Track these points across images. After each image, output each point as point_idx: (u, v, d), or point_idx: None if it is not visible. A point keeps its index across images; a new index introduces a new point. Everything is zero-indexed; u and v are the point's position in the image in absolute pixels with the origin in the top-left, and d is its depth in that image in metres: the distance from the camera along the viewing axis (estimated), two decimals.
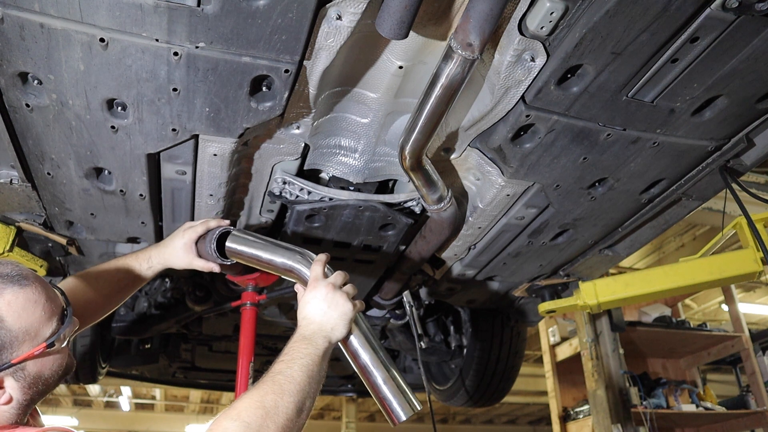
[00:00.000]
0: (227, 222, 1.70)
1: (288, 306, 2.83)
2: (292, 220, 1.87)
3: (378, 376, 1.38)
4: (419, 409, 1.39)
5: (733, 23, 1.16)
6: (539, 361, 9.63)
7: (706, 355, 5.19)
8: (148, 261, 1.67)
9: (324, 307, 1.32)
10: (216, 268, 1.68)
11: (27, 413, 1.17)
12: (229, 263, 1.68)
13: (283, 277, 1.59)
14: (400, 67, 1.42)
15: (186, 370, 3.82)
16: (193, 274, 2.47)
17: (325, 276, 1.39)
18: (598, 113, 1.44)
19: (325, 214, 1.85)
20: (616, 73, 1.30)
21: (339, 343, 1.37)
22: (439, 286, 2.56)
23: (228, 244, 1.63)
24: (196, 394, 12.82)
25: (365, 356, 1.38)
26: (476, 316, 3.20)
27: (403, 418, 1.35)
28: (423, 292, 2.68)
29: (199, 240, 1.67)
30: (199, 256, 1.67)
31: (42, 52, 1.20)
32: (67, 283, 1.62)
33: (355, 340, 1.38)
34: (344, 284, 1.38)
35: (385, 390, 1.37)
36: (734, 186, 1.74)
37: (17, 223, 1.91)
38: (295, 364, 1.17)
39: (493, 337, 3.18)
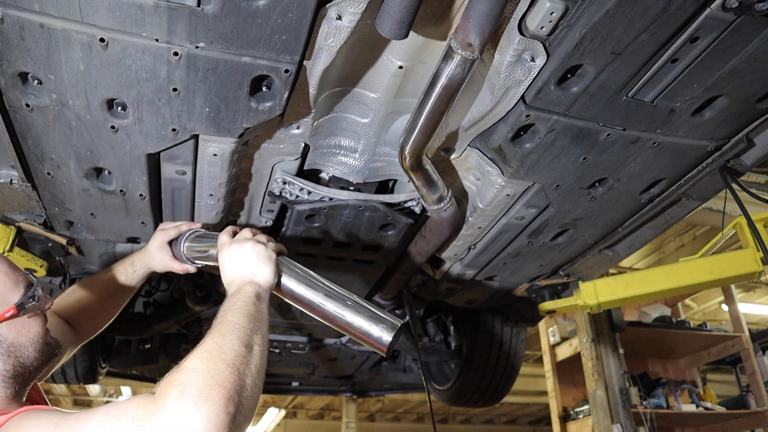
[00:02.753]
0: (199, 225, 1.71)
1: (286, 306, 2.84)
2: (292, 220, 1.87)
3: (339, 310, 1.26)
4: (401, 323, 1.26)
5: (733, 23, 1.16)
6: (539, 361, 9.63)
7: (706, 355, 5.19)
8: (132, 265, 1.72)
9: (236, 261, 1.30)
10: (191, 269, 1.68)
11: (18, 393, 1.16)
12: (202, 265, 1.68)
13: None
14: (400, 67, 1.42)
15: None
16: (192, 275, 2.47)
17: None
18: (598, 113, 1.44)
19: (325, 214, 1.85)
20: (616, 73, 1.30)
21: (284, 298, 1.31)
22: (439, 286, 2.56)
23: (185, 247, 1.64)
24: None
25: (315, 297, 1.28)
26: (476, 316, 3.20)
27: (389, 338, 1.22)
28: (423, 292, 2.68)
29: (173, 243, 1.68)
30: (174, 257, 1.69)
31: (42, 52, 1.20)
32: (65, 293, 1.71)
33: (294, 285, 1.30)
34: (253, 236, 1.36)
35: (357, 320, 1.25)
36: (734, 186, 1.74)
37: (17, 223, 1.91)
38: (228, 313, 1.13)
39: (493, 337, 3.18)
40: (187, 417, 0.87)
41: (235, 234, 1.42)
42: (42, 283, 2.30)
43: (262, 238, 1.36)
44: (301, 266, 1.35)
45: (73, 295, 1.70)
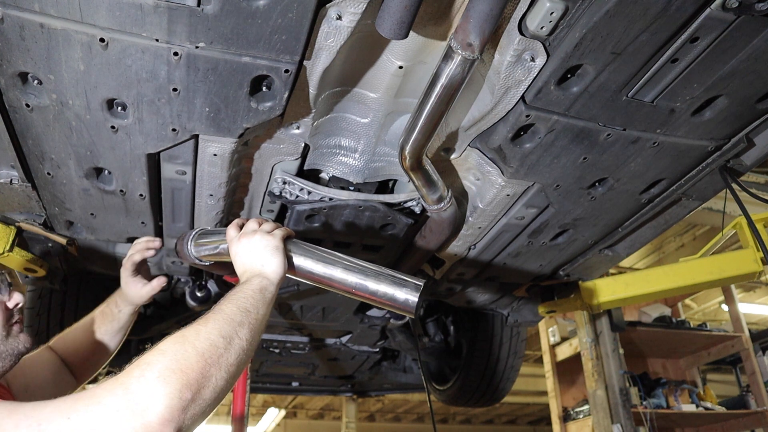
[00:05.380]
0: (157, 243, 1.64)
1: (287, 306, 2.84)
2: (292, 220, 1.87)
3: (361, 281, 1.26)
4: (423, 282, 1.26)
5: (733, 23, 1.16)
6: (539, 361, 9.62)
7: (706, 355, 5.19)
8: (116, 305, 1.67)
9: (245, 254, 1.30)
10: (157, 286, 1.63)
11: None
12: (208, 263, 1.67)
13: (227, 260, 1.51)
14: (400, 67, 1.42)
15: None
16: (191, 274, 2.47)
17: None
18: (598, 113, 1.44)
19: (325, 214, 1.85)
20: (616, 73, 1.30)
21: (303, 280, 1.31)
22: (439, 286, 2.55)
23: (192, 246, 1.63)
24: None
25: (335, 272, 1.28)
26: (476, 316, 3.20)
27: (415, 299, 1.23)
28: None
29: (178, 242, 1.66)
30: (178, 256, 1.67)
31: (42, 52, 1.20)
32: (62, 334, 1.67)
33: (311, 265, 1.30)
34: (259, 226, 1.36)
35: (380, 288, 1.25)
36: (734, 186, 1.74)
37: (17, 223, 1.91)
38: (225, 301, 1.13)
39: (493, 337, 3.18)
40: (141, 395, 0.88)
41: (241, 227, 1.41)
42: (42, 283, 2.30)
43: (268, 227, 1.35)
44: (313, 246, 1.35)
45: (65, 337, 1.67)
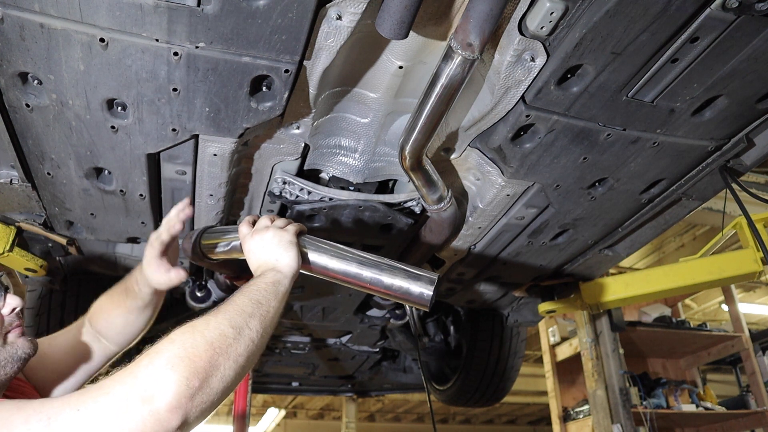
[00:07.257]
0: (179, 226, 1.56)
1: (287, 306, 2.84)
2: None
3: (376, 276, 1.27)
4: (437, 276, 1.28)
5: (733, 23, 1.16)
6: (539, 361, 9.62)
7: (706, 355, 5.19)
8: (137, 282, 1.56)
9: (259, 250, 1.29)
10: (175, 278, 1.53)
11: None
12: (215, 261, 1.66)
13: (239, 258, 1.49)
14: (400, 67, 1.42)
15: None
16: (191, 274, 2.47)
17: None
18: (598, 113, 1.44)
19: (324, 214, 1.85)
20: (616, 73, 1.30)
21: (318, 275, 1.31)
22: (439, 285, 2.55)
23: (200, 243, 1.61)
24: None
25: (349, 268, 1.29)
26: (476, 316, 3.20)
27: (430, 292, 1.25)
28: None
29: (185, 240, 1.65)
30: (185, 254, 1.64)
31: (42, 52, 1.20)
32: (93, 306, 1.61)
33: (326, 260, 1.31)
34: (272, 223, 1.36)
35: (395, 282, 1.26)
36: (734, 186, 1.74)
37: (17, 223, 1.91)
38: (237, 294, 1.13)
39: (493, 337, 3.18)
40: (149, 382, 0.88)
41: (253, 223, 1.40)
42: (42, 282, 2.30)
43: (281, 222, 1.35)
44: (326, 241, 1.35)
45: (97, 309, 1.60)
